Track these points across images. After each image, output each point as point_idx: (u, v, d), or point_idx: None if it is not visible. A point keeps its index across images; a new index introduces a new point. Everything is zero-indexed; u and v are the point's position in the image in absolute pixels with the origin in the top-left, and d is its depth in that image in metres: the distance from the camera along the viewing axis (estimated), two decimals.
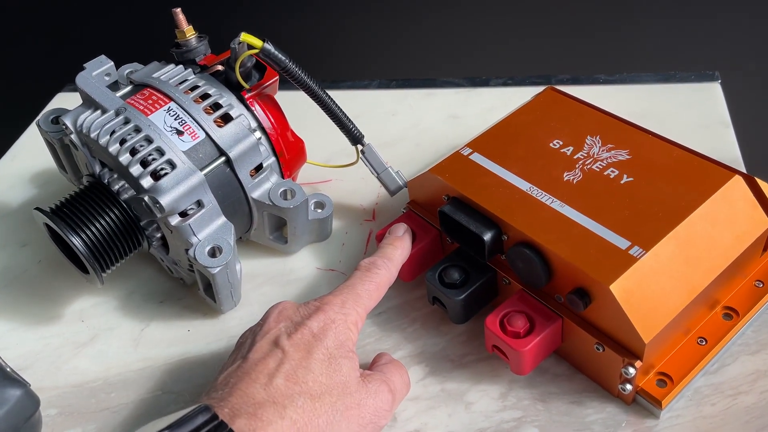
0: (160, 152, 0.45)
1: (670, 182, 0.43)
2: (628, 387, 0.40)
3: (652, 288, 0.38)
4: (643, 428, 0.40)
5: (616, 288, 0.37)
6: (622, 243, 0.40)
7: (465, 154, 0.48)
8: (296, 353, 0.38)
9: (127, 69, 0.52)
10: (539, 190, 0.44)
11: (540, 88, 0.53)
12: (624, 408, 0.41)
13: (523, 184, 0.44)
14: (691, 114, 0.62)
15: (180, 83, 0.49)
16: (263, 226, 0.52)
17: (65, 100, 0.74)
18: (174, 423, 0.33)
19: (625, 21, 0.91)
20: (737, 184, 0.42)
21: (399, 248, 0.46)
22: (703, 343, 0.42)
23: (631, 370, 0.39)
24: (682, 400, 0.41)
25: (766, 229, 0.43)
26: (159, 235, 0.49)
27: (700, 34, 0.91)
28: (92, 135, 0.46)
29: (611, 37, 0.93)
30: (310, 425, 0.35)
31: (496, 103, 0.67)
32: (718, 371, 0.42)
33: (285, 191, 0.49)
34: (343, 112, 0.51)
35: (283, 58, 0.47)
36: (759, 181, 0.43)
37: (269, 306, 0.50)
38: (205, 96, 0.48)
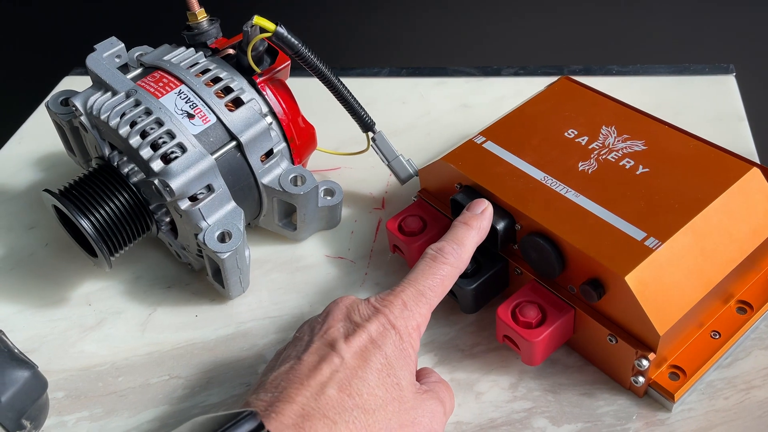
0: (171, 135, 0.45)
1: (686, 173, 0.42)
2: (641, 379, 0.40)
3: (667, 280, 0.38)
4: (655, 421, 0.40)
5: (631, 279, 0.37)
6: (637, 234, 0.39)
7: (478, 142, 0.47)
8: (352, 360, 0.35)
9: (137, 51, 0.52)
10: (554, 180, 0.43)
11: (552, 79, 0.53)
12: (636, 400, 0.41)
13: (537, 174, 0.44)
14: (706, 107, 0.61)
15: (191, 66, 0.48)
16: (272, 212, 0.51)
17: (73, 83, 0.73)
18: (220, 429, 0.31)
19: (639, 11, 0.90)
20: (755, 176, 0.42)
21: (474, 229, 0.41)
22: (717, 336, 0.42)
23: (645, 363, 0.38)
24: (694, 393, 0.41)
25: None
26: (168, 219, 0.48)
27: (715, 26, 0.90)
28: (102, 117, 0.46)
29: (625, 27, 0.92)
30: None
31: (508, 93, 0.66)
32: (731, 365, 0.42)
33: (295, 177, 0.49)
34: (355, 99, 0.51)
35: (296, 42, 0.47)
36: None
37: (277, 292, 0.51)
38: (216, 79, 0.48)
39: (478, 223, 0.41)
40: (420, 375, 0.39)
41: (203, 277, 0.51)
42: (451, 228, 0.41)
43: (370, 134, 0.53)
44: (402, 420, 0.35)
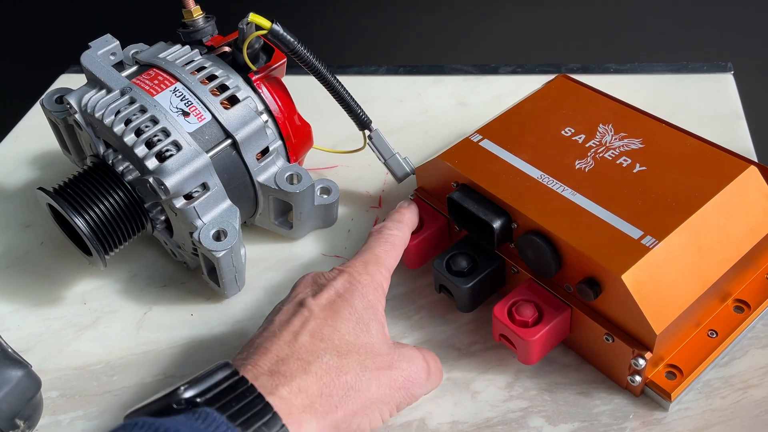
0: (166, 133, 0.44)
1: (683, 172, 0.42)
2: (637, 378, 0.39)
3: (664, 279, 0.38)
4: (652, 420, 0.40)
5: (628, 278, 0.37)
6: (634, 232, 0.39)
7: (475, 140, 0.47)
8: (321, 312, 0.37)
9: (132, 49, 0.51)
10: (550, 178, 0.43)
11: (549, 77, 0.52)
12: (632, 400, 0.41)
13: (534, 172, 0.44)
14: (703, 105, 0.61)
15: (186, 64, 0.48)
16: (268, 210, 0.51)
17: (69, 81, 0.73)
18: (193, 379, 0.33)
19: (638, 10, 0.90)
20: (752, 174, 0.42)
21: (407, 212, 0.46)
22: (714, 335, 0.42)
23: (641, 362, 0.38)
24: (691, 392, 0.41)
25: None
26: (163, 217, 0.48)
27: (713, 25, 0.90)
28: (97, 114, 0.45)
29: (622, 25, 0.92)
30: (337, 381, 0.34)
31: (505, 91, 0.66)
32: (728, 364, 0.42)
33: (291, 176, 0.49)
34: (351, 97, 0.51)
35: (292, 39, 0.47)
36: None
37: (273, 291, 0.50)
38: (211, 77, 0.48)
39: (407, 209, 0.47)
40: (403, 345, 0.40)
41: (199, 275, 0.51)
42: (389, 215, 0.46)
43: (367, 132, 0.52)
44: (378, 363, 0.36)
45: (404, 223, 0.45)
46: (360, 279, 0.39)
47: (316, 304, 0.38)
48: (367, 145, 0.53)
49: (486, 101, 0.66)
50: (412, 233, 0.47)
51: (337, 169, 0.59)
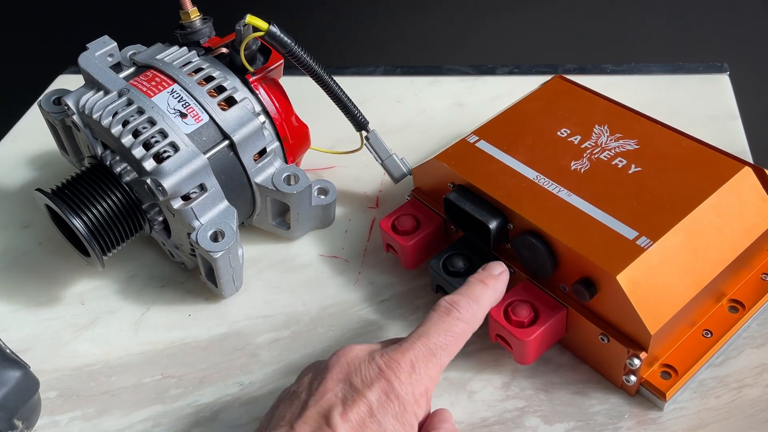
0: (163, 134, 0.45)
1: (678, 173, 0.42)
2: (633, 378, 0.40)
3: (658, 279, 0.38)
4: (647, 420, 0.40)
5: (623, 278, 0.37)
6: (629, 233, 0.39)
7: (471, 141, 0.47)
8: None
9: (130, 50, 0.52)
10: (546, 179, 0.43)
11: (546, 78, 0.53)
12: (628, 399, 0.41)
13: (529, 173, 0.44)
14: (699, 105, 0.61)
15: (184, 65, 0.48)
16: (266, 211, 0.51)
17: (67, 82, 0.73)
18: None
19: (634, 10, 0.90)
20: (746, 175, 0.42)
21: (490, 288, 0.39)
22: (709, 335, 0.42)
23: (636, 362, 0.38)
24: (686, 392, 0.41)
25: None
26: (161, 218, 0.48)
27: (709, 25, 0.90)
28: (94, 116, 0.45)
29: (619, 26, 0.92)
30: None
31: (502, 92, 0.66)
32: (723, 364, 0.42)
33: (288, 176, 0.49)
34: (348, 98, 0.51)
35: (289, 41, 0.47)
36: None
37: (271, 291, 0.51)
38: (209, 78, 0.48)
39: (494, 283, 0.39)
40: (433, 418, 0.36)
41: (197, 276, 0.51)
42: (467, 283, 0.39)
43: (364, 133, 0.53)
44: None
45: (482, 305, 0.38)
46: (400, 392, 0.34)
47: (343, 426, 0.32)
48: (364, 145, 0.53)
49: (483, 102, 0.66)
50: (408, 234, 0.47)
51: (335, 169, 0.60)
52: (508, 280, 0.40)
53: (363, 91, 0.65)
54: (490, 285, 0.39)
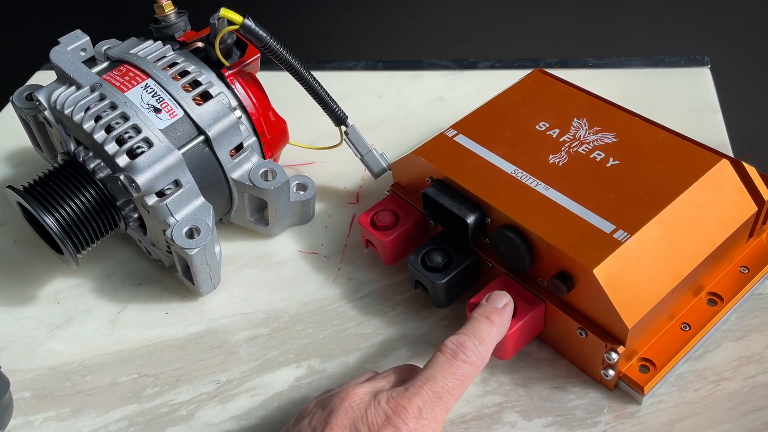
0: (137, 130, 0.44)
1: (656, 166, 0.42)
2: (611, 372, 0.40)
3: (636, 272, 0.38)
4: (626, 414, 0.40)
5: (599, 272, 0.37)
6: (606, 227, 0.39)
7: (450, 135, 0.47)
8: None
9: (105, 45, 0.51)
10: (524, 173, 0.43)
11: (528, 71, 0.52)
12: (606, 393, 0.41)
13: (507, 167, 0.44)
14: (680, 99, 0.61)
15: (158, 60, 0.47)
16: (244, 207, 0.51)
17: (45, 78, 0.72)
18: None
19: (615, 4, 0.90)
20: (724, 168, 0.42)
21: (496, 326, 0.38)
22: (687, 328, 0.42)
23: (614, 356, 0.38)
24: (664, 386, 0.41)
25: (752, 214, 0.42)
26: (136, 215, 0.47)
27: (690, 19, 0.90)
28: (66, 111, 0.45)
29: (601, 20, 0.92)
30: None
31: (484, 86, 0.66)
32: (702, 357, 0.42)
33: (266, 172, 0.48)
34: (327, 92, 0.50)
35: (264, 35, 0.46)
36: (746, 165, 0.42)
37: (249, 288, 0.50)
38: (183, 73, 0.47)
39: (499, 318, 0.38)
40: None
41: (174, 273, 0.51)
42: (472, 320, 0.38)
43: (343, 128, 0.52)
44: None
45: (487, 344, 0.37)
46: None
47: None
48: (343, 141, 0.53)
49: (464, 96, 0.65)
50: (387, 229, 0.47)
51: (315, 165, 0.59)
52: (496, 282, 0.40)
53: (344, 86, 0.65)
54: (495, 322, 0.38)
